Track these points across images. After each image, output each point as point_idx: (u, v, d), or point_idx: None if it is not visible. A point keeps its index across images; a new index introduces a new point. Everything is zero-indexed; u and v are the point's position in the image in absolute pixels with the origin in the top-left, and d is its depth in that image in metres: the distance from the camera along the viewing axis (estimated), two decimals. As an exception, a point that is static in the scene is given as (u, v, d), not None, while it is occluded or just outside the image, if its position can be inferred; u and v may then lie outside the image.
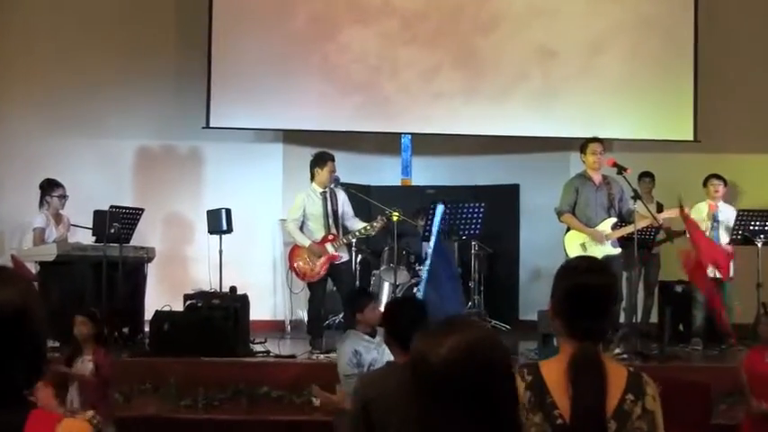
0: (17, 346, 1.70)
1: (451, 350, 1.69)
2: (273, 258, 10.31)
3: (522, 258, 10.72)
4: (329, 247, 8.08)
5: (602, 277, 2.42)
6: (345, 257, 8.22)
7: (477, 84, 10.10)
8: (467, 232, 8.12)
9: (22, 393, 1.72)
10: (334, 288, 8.32)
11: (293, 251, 8.24)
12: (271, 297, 10.07)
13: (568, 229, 7.93)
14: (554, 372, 2.36)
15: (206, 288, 8.59)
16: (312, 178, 8.19)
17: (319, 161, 8.18)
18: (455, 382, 1.67)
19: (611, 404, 2.33)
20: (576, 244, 7.78)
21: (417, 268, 9.16)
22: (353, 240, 8.48)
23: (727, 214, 8.67)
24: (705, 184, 8.83)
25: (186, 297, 8.03)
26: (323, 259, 8.04)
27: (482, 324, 1.75)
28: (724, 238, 8.52)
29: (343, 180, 8.34)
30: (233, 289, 8.24)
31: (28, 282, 1.85)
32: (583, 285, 2.39)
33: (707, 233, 8.24)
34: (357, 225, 8.15)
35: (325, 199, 8.13)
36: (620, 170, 7.68)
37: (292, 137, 10.50)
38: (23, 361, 1.71)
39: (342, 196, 8.22)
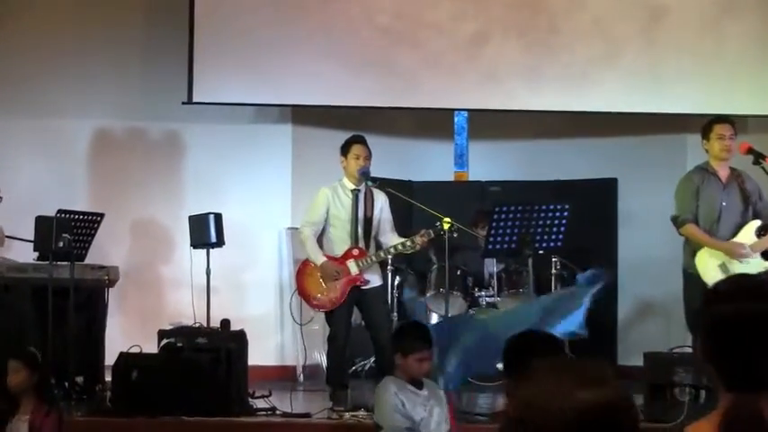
0: None
1: (588, 407, 1.82)
2: (279, 281, 10.32)
3: (621, 281, 10.62)
4: (352, 265, 8.08)
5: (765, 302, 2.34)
6: (377, 281, 8.23)
7: (559, 46, 10.18)
8: (544, 244, 8.09)
9: None
10: (362, 322, 8.31)
11: (302, 268, 8.29)
12: (276, 334, 10.12)
13: (688, 242, 7.88)
14: None
15: (188, 322, 8.60)
16: (344, 172, 8.27)
17: (344, 146, 8.27)
18: None
19: None
20: (713, 266, 7.70)
21: (477, 294, 9.16)
22: (389, 257, 8.52)
23: None
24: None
25: (162, 334, 8.06)
26: (342, 282, 8.04)
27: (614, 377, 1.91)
28: None
29: (375, 174, 8.32)
30: (225, 323, 8.27)
31: None
32: (734, 316, 2.32)
33: None
34: (393, 241, 8.19)
35: (356, 199, 8.16)
36: (759, 159, 7.60)
37: (304, 115, 10.48)
38: None
39: (381, 200, 8.27)
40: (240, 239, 9.60)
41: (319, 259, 8.06)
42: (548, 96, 10.14)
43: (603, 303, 10.40)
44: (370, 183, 8.23)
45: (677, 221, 7.87)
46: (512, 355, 4.10)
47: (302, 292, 8.23)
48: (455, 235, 8.01)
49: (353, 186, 8.18)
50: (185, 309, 9.04)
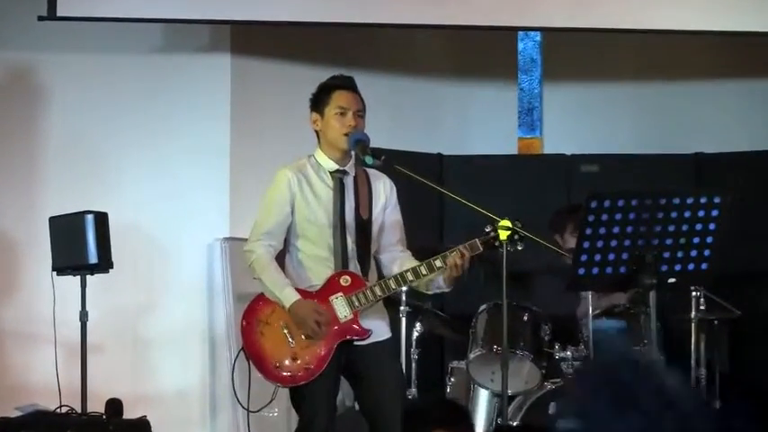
0: None
1: None
2: (210, 333, 10.57)
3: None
4: (340, 304, 7.85)
5: None
6: (383, 332, 8.06)
7: None
8: (678, 266, 7.79)
9: None
10: (354, 403, 8.54)
11: (253, 312, 8.07)
12: (203, 424, 10.38)
13: None
14: None
15: (50, 404, 9.06)
16: (318, 141, 8.08)
17: (317, 95, 8.07)
18: None
19: None
20: None
21: (559, 356, 9.30)
22: (403, 291, 8.71)
23: None
24: None
25: (5, 425, 8.66)
26: (323, 335, 7.80)
27: None
28: None
29: (377, 143, 8.13)
30: (114, 406, 8.78)
31: None
32: None
33: None
34: (406, 263, 7.98)
35: (341, 187, 7.99)
36: None
37: (253, 40, 10.89)
38: None
39: (385, 189, 8.21)
40: (141, 259, 10.07)
41: (288, 296, 7.78)
42: (680, 7, 10.35)
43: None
44: (369, 160, 7.90)
45: None
46: None
47: (254, 353, 7.99)
48: (520, 248, 7.85)
49: (335, 166, 7.94)
50: (45, 380, 9.36)
